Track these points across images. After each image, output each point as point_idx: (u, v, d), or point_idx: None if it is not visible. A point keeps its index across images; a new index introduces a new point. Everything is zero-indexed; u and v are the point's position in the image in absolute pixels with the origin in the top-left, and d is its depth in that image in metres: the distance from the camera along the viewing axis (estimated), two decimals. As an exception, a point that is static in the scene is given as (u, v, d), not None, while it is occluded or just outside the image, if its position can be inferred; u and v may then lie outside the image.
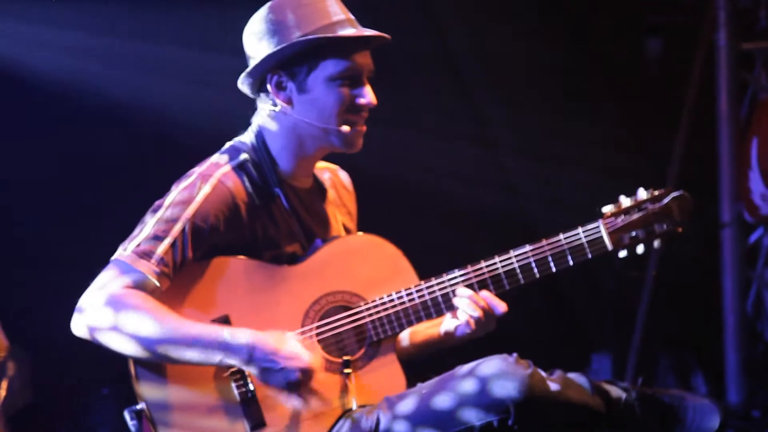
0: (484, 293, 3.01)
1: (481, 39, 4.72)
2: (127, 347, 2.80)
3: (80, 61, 4.29)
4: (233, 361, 2.81)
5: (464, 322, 3.02)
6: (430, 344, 3.20)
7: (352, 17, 3.05)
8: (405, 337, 3.21)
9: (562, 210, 4.53)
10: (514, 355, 2.86)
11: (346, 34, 2.98)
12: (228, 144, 3.11)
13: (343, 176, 3.33)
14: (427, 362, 3.21)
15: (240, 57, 3.10)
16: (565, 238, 3.02)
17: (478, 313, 2.99)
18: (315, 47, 2.97)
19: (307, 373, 2.82)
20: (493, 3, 4.71)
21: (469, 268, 3.03)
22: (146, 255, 2.83)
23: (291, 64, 2.98)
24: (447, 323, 3.08)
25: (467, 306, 2.99)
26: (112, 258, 2.87)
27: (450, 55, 4.73)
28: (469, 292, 3.00)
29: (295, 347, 2.84)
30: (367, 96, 3.01)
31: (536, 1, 4.74)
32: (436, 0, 4.68)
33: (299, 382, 2.81)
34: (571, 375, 2.90)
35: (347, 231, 3.24)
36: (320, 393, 2.89)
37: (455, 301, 3.00)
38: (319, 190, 3.19)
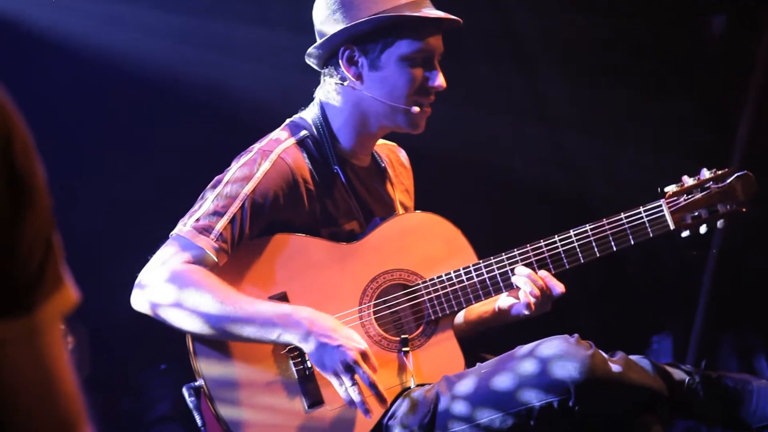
0: (543, 273, 2.98)
1: (542, 14, 4.67)
2: (187, 323, 2.80)
3: (140, 36, 4.30)
4: (290, 337, 2.79)
5: (521, 302, 2.99)
6: (483, 322, 3.17)
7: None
8: (459, 314, 3.18)
9: (623, 189, 4.47)
10: (575, 335, 2.82)
11: (428, 14, 2.96)
12: (288, 120, 3.10)
13: (401, 154, 3.31)
14: (486, 342, 3.19)
15: (302, 34, 3.09)
16: (626, 217, 2.98)
17: (536, 291, 2.96)
18: (391, 25, 2.96)
19: (360, 356, 2.79)
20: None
21: (528, 247, 3.00)
22: (205, 230, 2.83)
23: (365, 40, 2.97)
24: (502, 301, 3.05)
25: (525, 284, 2.96)
26: (172, 233, 2.88)
27: (510, 30, 4.69)
28: (528, 270, 2.97)
29: (352, 331, 2.82)
30: (438, 79, 3.01)
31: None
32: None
33: (354, 363, 2.78)
34: (633, 357, 2.86)
35: (405, 209, 3.23)
36: (379, 371, 2.87)
37: (514, 279, 2.97)
38: (377, 168, 3.18)
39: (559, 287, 2.98)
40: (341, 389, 2.80)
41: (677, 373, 2.90)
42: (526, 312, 3.01)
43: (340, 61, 3.01)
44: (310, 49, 3.03)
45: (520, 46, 4.72)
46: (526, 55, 4.73)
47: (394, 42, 2.98)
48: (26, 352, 1.34)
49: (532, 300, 2.97)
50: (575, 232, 2.99)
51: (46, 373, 1.36)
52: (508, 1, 4.66)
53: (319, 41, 3.02)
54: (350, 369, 2.78)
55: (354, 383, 2.78)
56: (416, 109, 3.00)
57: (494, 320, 3.14)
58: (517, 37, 4.71)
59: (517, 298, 3.02)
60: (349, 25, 2.96)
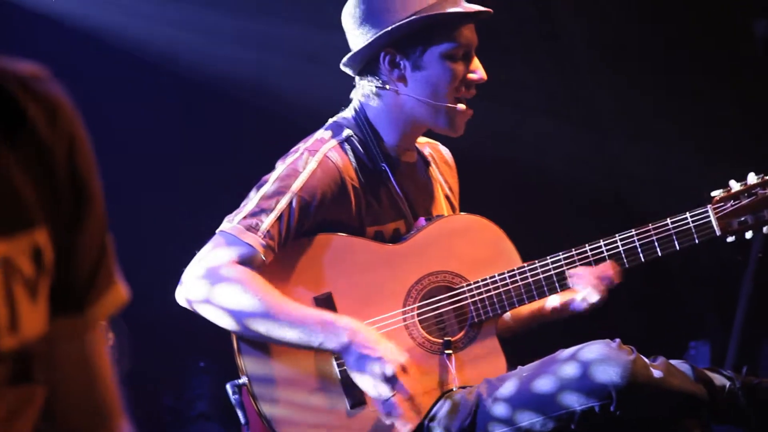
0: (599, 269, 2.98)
1: (585, 13, 4.65)
2: (228, 322, 2.81)
3: (186, 34, 4.32)
4: (332, 346, 2.78)
5: (583, 298, 3.00)
6: (534, 320, 3.18)
7: None
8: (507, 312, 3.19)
9: (668, 192, 4.45)
10: (617, 340, 2.82)
11: (460, 9, 2.97)
12: (331, 120, 3.11)
13: (445, 151, 3.31)
14: (528, 346, 3.19)
15: (334, 32, 3.10)
16: (672, 223, 2.97)
17: (599, 287, 2.97)
18: (429, 25, 2.96)
19: (400, 369, 2.78)
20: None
21: (574, 251, 3.00)
22: (252, 228, 2.84)
23: (405, 41, 2.98)
24: (557, 298, 3.06)
25: (587, 281, 2.96)
26: (218, 230, 2.89)
27: (553, 29, 4.68)
28: (590, 268, 2.97)
29: (393, 346, 2.82)
30: (479, 71, 3.02)
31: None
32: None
33: (393, 376, 2.78)
34: (674, 362, 2.85)
35: (451, 206, 3.23)
36: (420, 373, 2.87)
37: (571, 276, 2.97)
38: (423, 164, 3.18)
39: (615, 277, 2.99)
40: (379, 401, 2.79)
41: (718, 379, 2.89)
42: (586, 305, 3.00)
43: (381, 66, 3.01)
44: (346, 58, 3.04)
45: (562, 46, 4.71)
46: (568, 56, 4.72)
47: (433, 40, 2.98)
48: (74, 348, 1.37)
49: (594, 296, 2.98)
50: (621, 237, 2.99)
51: (89, 368, 1.39)
52: (552, 4, 4.65)
53: (355, 48, 3.02)
54: (389, 381, 2.77)
55: (392, 396, 2.77)
56: (462, 106, 3.01)
57: (544, 317, 3.16)
58: (559, 37, 4.70)
59: (571, 297, 3.03)
60: (389, 28, 2.96)
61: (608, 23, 4.64)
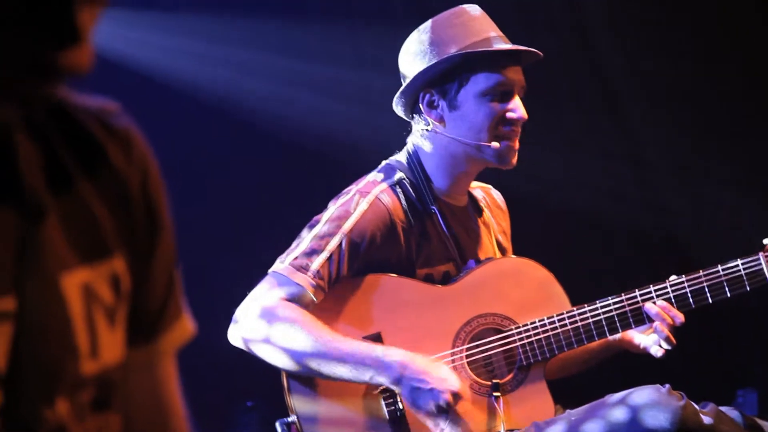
0: (662, 303, 2.97)
1: (632, 52, 4.66)
2: (280, 359, 2.84)
3: (237, 75, 4.38)
4: (383, 379, 2.82)
5: (656, 338, 2.99)
6: (592, 359, 3.18)
7: (502, 34, 3.06)
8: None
9: (719, 236, 4.44)
10: (667, 385, 2.82)
11: (497, 48, 2.99)
12: (383, 162, 3.14)
13: (497, 195, 3.33)
14: (576, 389, 3.18)
15: (395, 75, 3.14)
16: (723, 270, 2.96)
17: (669, 321, 2.97)
18: (465, 62, 2.99)
19: (455, 397, 2.81)
20: (645, 16, 4.65)
21: (623, 296, 3.00)
22: (303, 268, 2.87)
23: (442, 81, 3.01)
24: (632, 335, 3.05)
25: (662, 317, 2.96)
26: (270, 270, 2.92)
27: (599, 70, 4.69)
28: (664, 304, 2.97)
29: (446, 372, 2.83)
30: (518, 110, 3.01)
31: (689, 15, 4.65)
32: (586, 13, 4.65)
33: (447, 405, 2.80)
34: (724, 409, 2.84)
35: (502, 250, 3.24)
36: (469, 415, 2.88)
37: (648, 309, 2.96)
38: (473, 209, 3.20)
39: (680, 316, 2.98)
40: (436, 431, 2.81)
41: (768, 426, 2.88)
42: (663, 346, 3.00)
43: (421, 107, 3.04)
44: (396, 97, 3.07)
45: (608, 85, 4.71)
46: (614, 93, 4.72)
47: (469, 79, 3.00)
48: (145, 379, 1.40)
49: (664, 334, 2.97)
50: (671, 283, 2.99)
51: (161, 399, 1.41)
52: (598, 43, 4.66)
53: (400, 89, 3.06)
54: (444, 411, 2.79)
55: (448, 426, 2.79)
56: (496, 144, 3.01)
57: (606, 356, 3.15)
58: (605, 77, 4.71)
59: (629, 339, 3.05)
60: (424, 68, 2.99)
61: (655, 60, 4.63)
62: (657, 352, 3.03)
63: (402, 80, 3.09)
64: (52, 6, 1.08)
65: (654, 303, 2.97)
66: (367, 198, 2.97)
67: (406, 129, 3.17)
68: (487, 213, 3.24)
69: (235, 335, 2.89)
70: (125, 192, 1.30)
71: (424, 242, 3.02)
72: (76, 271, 1.24)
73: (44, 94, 1.14)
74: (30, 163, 1.23)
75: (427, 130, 3.05)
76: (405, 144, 3.14)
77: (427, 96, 3.03)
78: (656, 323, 2.97)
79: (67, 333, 1.23)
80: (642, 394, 2.78)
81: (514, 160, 3.05)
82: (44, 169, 1.24)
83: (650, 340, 3.05)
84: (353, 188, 3.03)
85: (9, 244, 1.19)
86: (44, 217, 1.21)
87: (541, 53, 3.05)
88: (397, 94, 3.06)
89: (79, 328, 1.23)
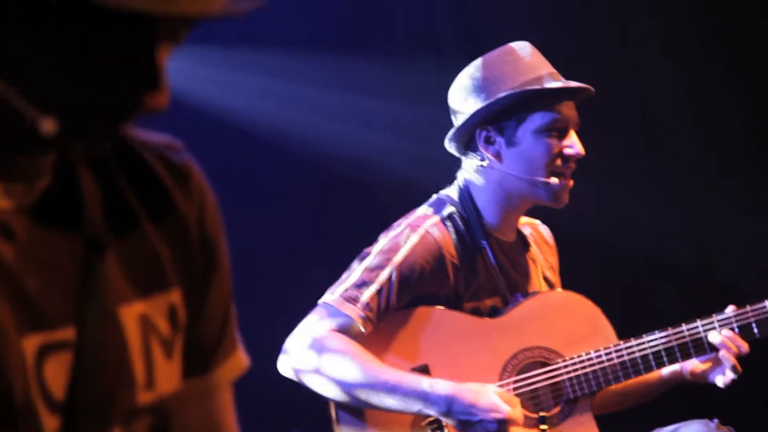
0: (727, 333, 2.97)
1: (680, 86, 4.65)
2: (329, 390, 2.88)
3: (287, 108, 4.42)
4: (432, 411, 2.85)
5: (721, 367, 2.99)
6: (652, 387, 3.18)
7: (555, 71, 3.09)
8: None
9: (762, 270, 4.41)
10: (716, 420, 2.82)
11: (552, 86, 3.02)
12: (434, 196, 3.17)
13: (545, 230, 3.35)
14: (623, 424, 3.18)
15: (445, 110, 3.17)
16: None
17: (735, 350, 2.97)
18: (523, 100, 3.02)
19: (504, 426, 2.83)
20: (692, 51, 4.65)
21: (670, 331, 3.00)
22: (353, 300, 2.91)
23: (499, 118, 3.04)
24: (694, 366, 3.05)
25: (728, 346, 2.96)
26: (320, 301, 2.97)
27: (644, 103, 4.68)
28: (730, 333, 2.97)
29: (494, 399, 2.85)
30: (575, 146, 3.04)
31: (733, 53, 4.65)
32: (635, 48, 4.66)
33: None
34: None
35: (550, 285, 3.25)
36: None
37: (713, 339, 2.96)
38: (521, 244, 3.22)
39: (744, 346, 2.98)
40: None
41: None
42: (729, 375, 2.99)
43: (478, 143, 3.07)
44: (450, 134, 3.11)
45: (648, 116, 4.71)
46: (654, 128, 4.72)
47: (527, 116, 3.03)
48: (201, 409, 1.44)
49: (731, 363, 2.96)
50: (718, 318, 2.99)
51: (216, 429, 1.45)
52: (645, 80, 4.66)
53: (455, 127, 3.09)
54: None
55: None
56: (555, 180, 3.04)
57: (663, 389, 3.15)
58: (651, 108, 4.70)
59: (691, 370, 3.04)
60: (481, 106, 3.03)
61: (705, 94, 4.62)
62: (723, 381, 3.02)
63: (452, 116, 3.12)
64: (136, 51, 1.13)
65: (719, 332, 2.98)
66: (417, 231, 3.01)
67: (455, 163, 3.20)
68: (534, 248, 3.26)
69: (285, 365, 2.93)
70: (184, 227, 1.34)
71: (472, 276, 3.05)
72: (134, 304, 1.28)
73: (117, 134, 1.19)
74: (93, 197, 1.27)
75: (481, 165, 3.08)
76: (455, 178, 3.17)
77: (484, 133, 3.05)
78: (722, 352, 2.97)
79: (125, 363, 1.27)
80: (691, 429, 2.79)
81: (566, 198, 3.08)
82: (106, 204, 1.28)
83: (714, 370, 3.03)
84: (404, 221, 3.06)
85: (71, 276, 1.24)
86: (105, 251, 1.26)
87: (593, 89, 3.08)
88: (452, 130, 3.09)
89: (137, 359, 1.28)
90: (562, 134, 3.04)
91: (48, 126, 1.12)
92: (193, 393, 1.41)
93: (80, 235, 1.25)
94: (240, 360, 1.46)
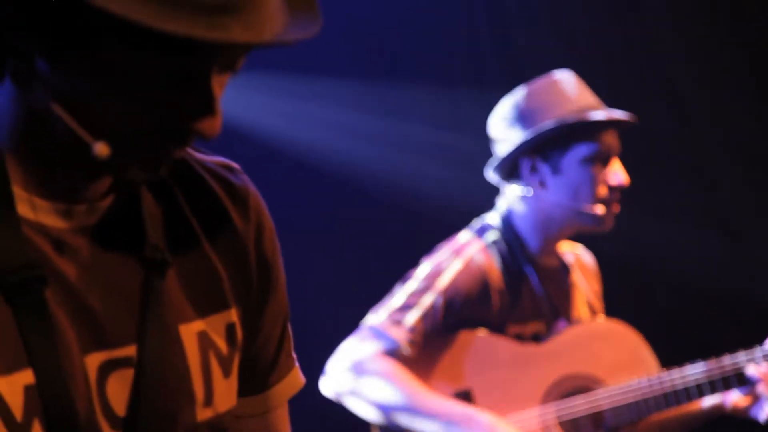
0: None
1: (728, 120, 4.65)
2: (371, 412, 2.90)
3: (338, 136, 4.46)
4: None
5: (762, 400, 2.98)
6: (693, 418, 3.17)
7: (599, 100, 3.10)
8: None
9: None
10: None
11: (598, 117, 3.04)
12: (476, 222, 3.19)
13: (587, 256, 3.35)
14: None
15: (485, 137, 3.19)
16: None
17: None
18: (568, 130, 3.03)
19: None
20: (741, 87, 4.65)
21: (713, 362, 3.00)
22: (397, 323, 2.93)
23: (544, 148, 3.05)
24: (735, 399, 3.04)
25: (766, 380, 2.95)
26: (364, 323, 2.99)
27: (691, 136, 4.68)
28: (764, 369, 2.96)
29: None
30: (619, 175, 3.05)
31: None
32: (681, 83, 4.67)
33: None
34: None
35: (592, 312, 3.26)
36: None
37: (751, 372, 2.96)
38: (564, 270, 3.23)
39: None
40: None
41: None
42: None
43: (522, 171, 3.09)
44: (491, 164, 3.12)
45: (698, 150, 4.70)
46: (704, 160, 4.71)
47: (572, 145, 3.04)
48: (258, 426, 1.46)
49: None
50: (763, 349, 2.99)
51: None
52: (689, 109, 4.66)
53: (498, 156, 3.11)
54: None
55: None
56: (600, 209, 3.05)
57: (705, 420, 3.15)
58: (695, 143, 4.70)
59: (733, 402, 3.03)
60: (527, 136, 3.05)
61: (752, 128, 4.62)
62: (763, 416, 3.01)
63: (494, 144, 3.14)
64: (191, 78, 1.15)
65: (757, 365, 2.97)
66: (461, 257, 3.03)
67: (495, 189, 3.22)
68: (578, 274, 3.26)
69: (328, 386, 2.95)
70: (242, 248, 1.37)
71: (516, 302, 3.06)
72: (194, 323, 1.31)
73: (171, 158, 1.21)
74: (153, 217, 1.30)
75: (525, 194, 3.09)
76: (497, 204, 3.19)
77: (529, 162, 3.07)
78: (760, 386, 2.96)
79: (185, 381, 1.29)
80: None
81: (611, 223, 3.09)
82: (167, 224, 1.32)
83: (756, 404, 3.03)
84: (447, 247, 3.08)
85: (132, 294, 1.27)
86: (166, 271, 1.28)
87: (636, 119, 3.09)
88: (495, 158, 3.11)
89: (196, 377, 1.30)
90: (606, 163, 3.06)
91: (102, 149, 1.15)
92: (251, 410, 1.44)
93: (141, 254, 1.28)
94: (296, 379, 1.48)
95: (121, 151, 1.16)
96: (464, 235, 3.13)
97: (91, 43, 1.11)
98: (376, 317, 2.96)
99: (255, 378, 1.43)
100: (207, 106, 1.16)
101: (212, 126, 1.17)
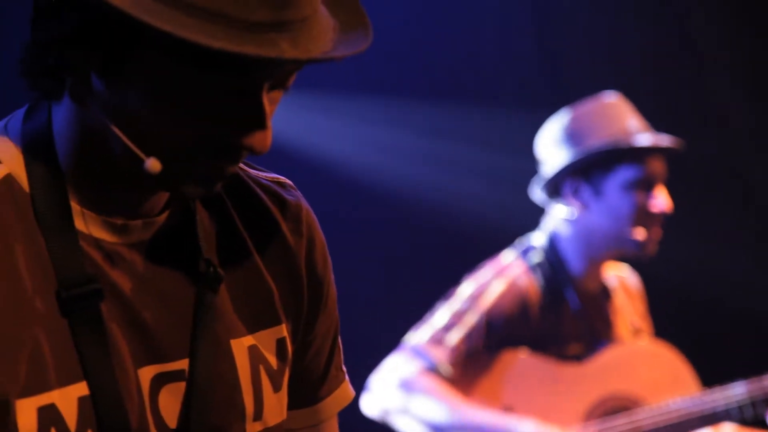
0: None
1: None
2: (415, 430, 2.92)
3: (386, 156, 4.49)
4: None
5: None
6: None
7: (647, 124, 3.11)
8: None
9: None
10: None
11: (643, 143, 3.04)
12: (519, 243, 3.20)
13: (631, 278, 3.35)
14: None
15: (529, 158, 3.21)
16: None
17: None
18: (612, 154, 3.04)
19: None
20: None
21: (755, 382, 3.00)
22: (439, 342, 2.95)
23: (587, 170, 3.06)
24: None
25: None
26: (406, 342, 3.02)
27: (732, 156, 4.67)
28: None
29: None
30: (663, 202, 3.05)
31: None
32: (729, 108, 4.65)
33: None
34: None
35: (635, 333, 3.25)
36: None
37: None
38: (606, 293, 3.23)
39: None
40: None
41: None
42: None
43: (566, 192, 3.10)
44: (537, 182, 3.14)
45: (747, 178, 4.69)
46: (750, 182, 4.70)
47: (616, 169, 3.05)
48: None
49: None
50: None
51: None
52: (736, 134, 4.65)
53: (543, 176, 3.12)
54: None
55: None
56: (641, 234, 3.06)
57: None
58: (743, 171, 4.69)
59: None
60: (571, 157, 3.06)
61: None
62: None
63: (540, 165, 3.16)
64: (241, 94, 1.17)
65: None
66: (504, 278, 3.04)
67: (540, 210, 3.23)
68: (621, 297, 3.26)
69: (371, 404, 2.97)
70: (293, 263, 1.38)
71: (556, 323, 3.07)
72: (245, 337, 1.33)
73: (223, 174, 1.23)
74: (208, 233, 1.32)
75: (568, 215, 3.11)
76: (541, 225, 3.21)
77: (572, 184, 3.08)
78: None
79: (235, 395, 1.31)
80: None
81: (654, 249, 3.09)
82: (220, 240, 1.33)
83: None
84: (489, 267, 3.10)
85: (185, 309, 1.29)
86: (218, 286, 1.30)
87: (682, 145, 3.10)
88: (540, 179, 3.13)
89: (246, 391, 1.32)
90: (650, 188, 3.05)
91: (153, 165, 1.17)
92: (301, 423, 1.45)
93: (195, 269, 1.29)
94: (346, 392, 1.49)
95: (172, 166, 1.18)
96: (508, 256, 3.14)
97: (142, 59, 1.14)
98: (419, 336, 2.99)
99: (305, 391, 1.44)
100: (257, 120, 1.18)
101: (262, 141, 1.18)
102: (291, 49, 1.11)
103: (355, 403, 1.64)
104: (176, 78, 1.14)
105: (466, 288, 3.05)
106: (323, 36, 1.15)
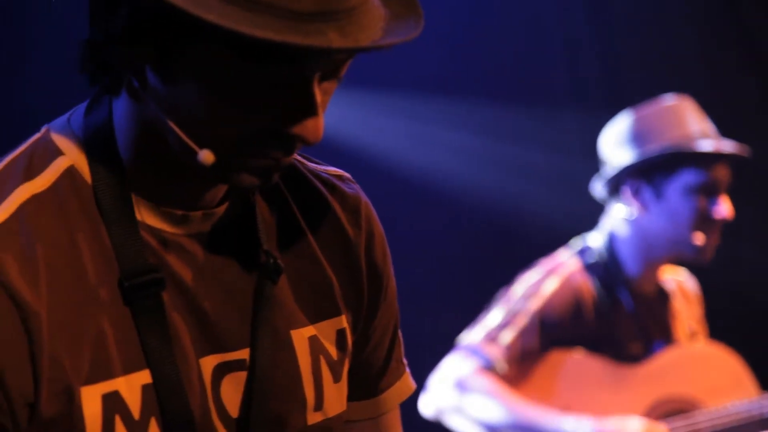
0: None
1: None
2: (475, 430, 2.92)
3: (446, 156, 4.50)
4: None
5: None
6: None
7: (713, 128, 3.08)
8: None
9: None
10: None
11: (707, 148, 3.02)
12: (576, 242, 3.20)
13: (689, 282, 3.32)
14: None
15: (588, 159, 3.20)
16: None
17: None
18: (676, 158, 3.02)
19: None
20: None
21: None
22: (493, 341, 2.95)
23: (649, 171, 3.03)
24: None
25: None
26: (461, 341, 3.02)
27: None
28: None
29: (640, 427, 2.85)
30: (724, 210, 3.01)
31: None
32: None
33: None
34: None
35: (692, 336, 3.23)
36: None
37: None
38: (662, 296, 3.20)
39: None
40: None
41: None
42: None
43: (626, 193, 3.09)
44: (599, 181, 3.13)
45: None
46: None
47: (678, 172, 3.02)
48: (370, 431, 1.49)
49: None
50: None
51: None
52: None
53: (604, 176, 3.11)
54: None
55: None
56: (699, 239, 3.03)
57: None
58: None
59: None
60: (633, 158, 3.04)
61: None
62: None
63: (603, 164, 3.15)
64: (293, 83, 1.17)
65: None
66: (558, 276, 3.04)
67: (598, 209, 3.22)
68: (679, 300, 3.23)
69: (429, 404, 2.98)
70: (353, 255, 1.39)
71: (611, 324, 3.06)
72: (306, 328, 1.34)
73: (280, 165, 1.23)
74: (268, 225, 1.33)
75: (627, 216, 3.10)
76: (601, 224, 3.19)
77: (633, 184, 3.06)
78: None
79: (296, 385, 1.32)
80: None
81: (711, 255, 3.07)
82: (280, 231, 1.34)
83: None
84: (544, 265, 3.09)
85: (245, 299, 1.30)
86: (278, 277, 1.31)
87: (748, 153, 3.07)
88: (601, 178, 3.12)
89: (307, 382, 1.33)
90: (712, 195, 3.01)
91: (207, 157, 1.18)
92: (362, 415, 1.46)
93: (255, 260, 1.30)
94: (407, 384, 1.50)
95: (226, 158, 1.19)
96: (563, 255, 3.13)
97: (193, 53, 1.15)
98: (473, 336, 2.99)
99: (366, 383, 1.45)
100: (308, 109, 1.18)
101: (314, 130, 1.18)
102: (339, 39, 1.11)
103: (415, 400, 1.65)
104: (226, 70, 1.15)
105: (519, 287, 3.05)
106: (373, 25, 1.15)
